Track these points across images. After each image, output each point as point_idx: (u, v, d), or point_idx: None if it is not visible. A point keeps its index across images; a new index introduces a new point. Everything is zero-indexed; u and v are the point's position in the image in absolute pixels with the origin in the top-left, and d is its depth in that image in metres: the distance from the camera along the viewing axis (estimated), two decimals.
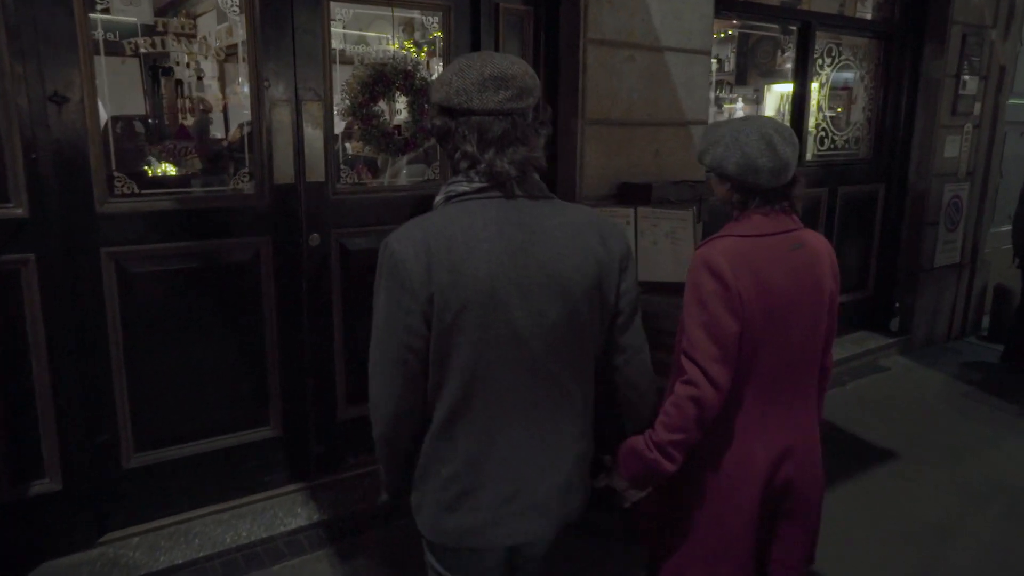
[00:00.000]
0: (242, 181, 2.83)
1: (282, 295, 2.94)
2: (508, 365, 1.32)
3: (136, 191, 2.61)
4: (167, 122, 2.76)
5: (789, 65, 4.91)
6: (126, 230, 2.60)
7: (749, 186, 1.59)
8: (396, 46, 4.45)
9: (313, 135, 2.90)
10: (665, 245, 2.86)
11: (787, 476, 1.65)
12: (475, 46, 3.26)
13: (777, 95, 6.53)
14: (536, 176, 1.35)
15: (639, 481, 1.59)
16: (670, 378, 1.63)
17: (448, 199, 1.33)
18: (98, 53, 2.44)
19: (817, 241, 1.69)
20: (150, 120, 2.69)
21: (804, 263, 1.61)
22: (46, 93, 2.35)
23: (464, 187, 1.31)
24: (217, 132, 2.97)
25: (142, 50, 2.53)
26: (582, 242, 1.34)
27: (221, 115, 2.97)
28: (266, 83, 2.76)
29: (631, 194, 3.41)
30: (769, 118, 1.70)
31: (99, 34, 2.43)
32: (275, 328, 2.96)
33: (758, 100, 7.32)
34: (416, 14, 3.28)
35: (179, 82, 2.63)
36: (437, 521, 1.40)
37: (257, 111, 2.77)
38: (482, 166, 1.28)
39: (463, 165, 1.31)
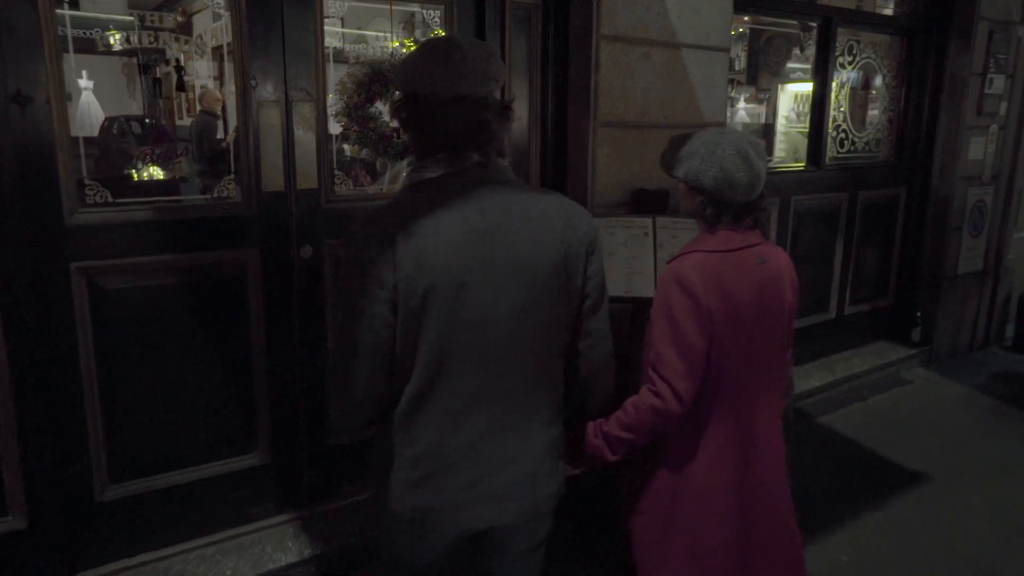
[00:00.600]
0: (228, 188, 2.61)
1: (271, 312, 2.72)
2: (475, 351, 1.32)
3: (110, 200, 2.39)
4: (148, 123, 2.54)
5: (801, 64, 4.68)
6: (99, 243, 2.38)
7: (724, 200, 1.60)
8: (396, 43, 4.22)
9: (304, 138, 2.67)
10: None
11: (755, 482, 1.68)
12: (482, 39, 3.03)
13: (791, 95, 6.31)
14: (501, 161, 1.36)
15: (579, 460, 1.67)
16: (641, 378, 1.66)
17: (412, 185, 1.33)
18: (67, 50, 2.22)
19: (777, 255, 1.72)
20: (128, 122, 2.47)
21: (768, 277, 1.65)
22: (7, 93, 2.13)
23: (428, 173, 1.31)
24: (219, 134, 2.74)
25: (117, 47, 2.31)
26: (548, 226, 1.34)
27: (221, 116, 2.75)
28: (253, 82, 2.54)
29: (646, 201, 3.19)
30: (740, 132, 1.69)
31: (68, 30, 2.20)
32: (263, 348, 2.73)
33: (760, 100, 7.10)
34: (416, 7, 3.05)
35: (157, 81, 2.41)
36: (402, 496, 1.40)
37: (244, 113, 2.55)
38: (445, 153, 1.30)
39: (427, 151, 1.32)
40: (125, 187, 2.42)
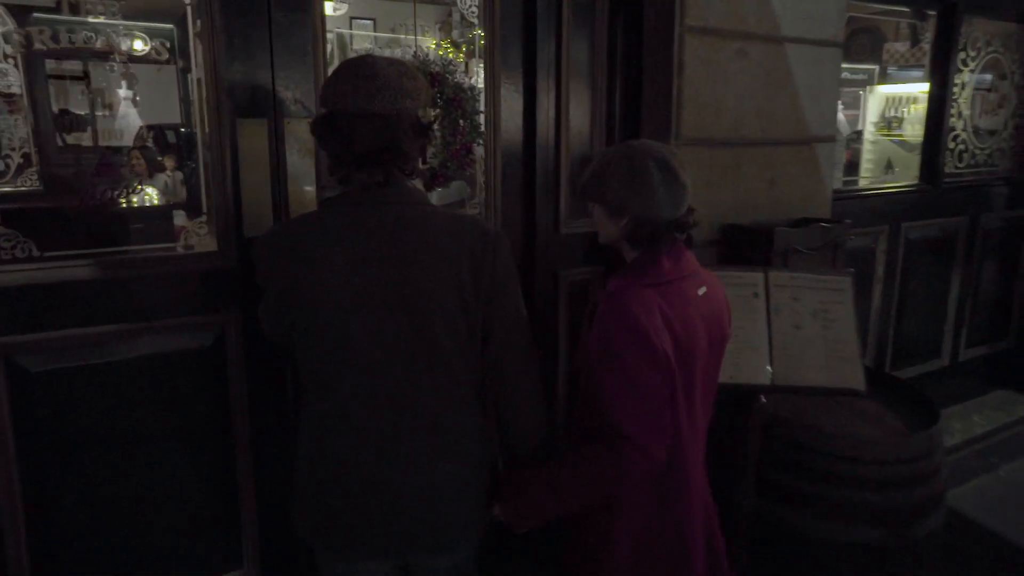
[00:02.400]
0: (198, 234, 1.98)
1: (257, 393, 2.09)
2: (350, 380, 1.35)
3: (34, 254, 1.78)
4: (183, 132, 1.90)
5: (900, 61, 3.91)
6: (18, 311, 1.77)
7: (651, 220, 1.45)
8: (433, 44, 3.60)
9: (300, 166, 2.03)
10: (813, 329, 1.93)
11: (711, 533, 1.60)
12: (530, 42, 2.37)
13: (881, 98, 5.48)
14: (410, 182, 1.37)
15: (523, 518, 1.48)
16: (580, 421, 1.51)
17: (322, 203, 1.43)
18: None
19: (715, 282, 1.60)
20: (163, 131, 1.86)
21: (711, 310, 1.53)
22: None
23: (327, 192, 1.40)
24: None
25: (36, 46, 1.70)
26: (442, 250, 1.33)
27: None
28: (230, 93, 1.90)
29: (742, 242, 2.48)
30: (650, 142, 1.51)
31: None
32: (247, 439, 2.10)
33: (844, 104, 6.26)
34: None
35: (98, 93, 1.79)
36: (298, 514, 1.48)
37: (216, 132, 1.91)
38: (345, 171, 1.33)
39: (337, 168, 1.34)
40: (52, 239, 1.80)
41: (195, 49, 1.87)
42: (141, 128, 1.92)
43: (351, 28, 5.75)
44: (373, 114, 1.27)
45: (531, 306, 1.93)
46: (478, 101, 2.29)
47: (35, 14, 1.76)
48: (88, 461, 1.90)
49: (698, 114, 2.46)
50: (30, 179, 1.92)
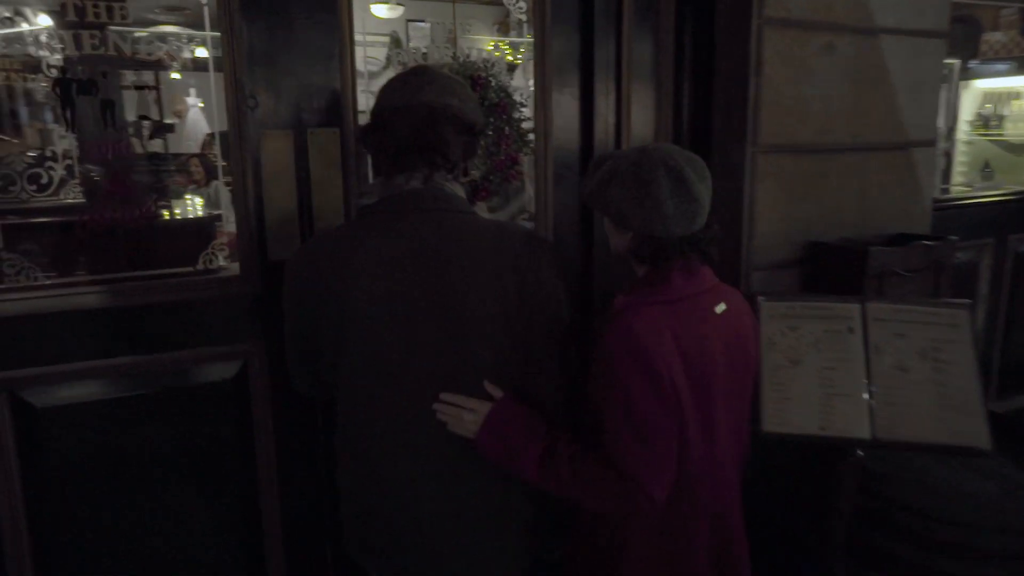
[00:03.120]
0: (217, 256, 1.80)
1: (284, 429, 1.90)
2: (383, 397, 1.28)
3: (40, 280, 1.63)
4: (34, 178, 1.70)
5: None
6: (26, 342, 1.63)
7: (657, 236, 1.28)
8: (490, 46, 3.41)
9: (326, 179, 1.84)
10: (922, 372, 1.61)
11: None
12: (586, 41, 2.13)
13: (977, 94, 5.01)
14: (451, 187, 1.31)
15: (494, 452, 1.29)
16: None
17: (359, 211, 1.37)
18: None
19: (736, 297, 1.44)
20: (50, 170, 1.70)
21: (730, 327, 1.38)
22: None
23: (364, 200, 1.30)
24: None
25: (48, 57, 1.55)
26: (485, 263, 1.26)
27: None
28: (251, 101, 1.73)
29: (828, 264, 2.17)
30: (670, 146, 1.34)
31: None
32: (273, 479, 1.92)
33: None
34: None
35: (108, 105, 1.63)
36: (345, 532, 1.41)
37: (238, 146, 1.74)
38: (385, 170, 1.28)
39: (378, 169, 1.30)
40: (55, 263, 1.65)
41: (212, 53, 1.70)
42: (206, 136, 1.81)
43: (407, 30, 5.86)
44: (419, 104, 1.24)
45: (587, 329, 1.70)
46: (525, 107, 2.06)
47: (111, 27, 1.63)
48: (100, 503, 1.75)
49: (778, 118, 2.16)
50: (72, 191, 1.80)
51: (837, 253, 2.15)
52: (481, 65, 2.03)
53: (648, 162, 1.28)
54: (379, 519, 1.33)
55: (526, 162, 2.08)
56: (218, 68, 1.71)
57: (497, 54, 2.35)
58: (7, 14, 1.64)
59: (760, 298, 1.69)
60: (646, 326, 1.26)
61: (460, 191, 1.35)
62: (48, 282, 1.64)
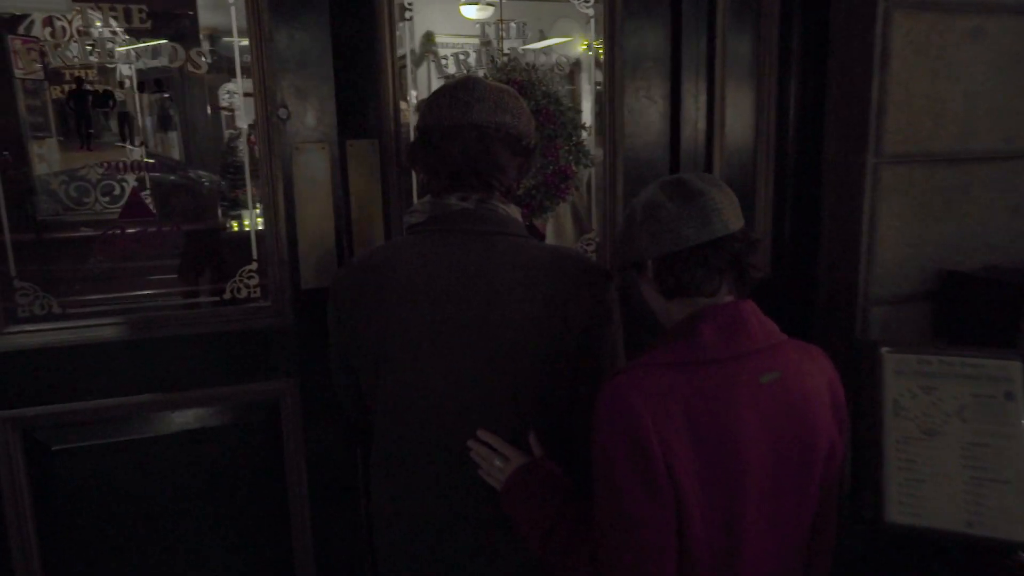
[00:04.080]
0: (246, 285, 1.62)
1: (320, 473, 1.71)
2: (420, 431, 1.20)
3: (54, 310, 1.50)
4: (107, 190, 1.57)
5: None
6: (38, 379, 1.49)
7: (671, 251, 1.04)
8: (584, 46, 3.18)
9: (367, 194, 1.63)
10: None
11: None
12: (673, 35, 1.83)
13: None
14: (505, 209, 1.22)
15: (509, 510, 1.15)
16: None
17: (407, 229, 1.26)
18: None
19: (804, 360, 1.09)
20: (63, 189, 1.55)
21: (782, 398, 1.04)
22: None
23: (413, 218, 1.24)
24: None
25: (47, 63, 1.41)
26: (537, 291, 1.16)
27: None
28: (283, 111, 1.53)
29: (970, 299, 1.78)
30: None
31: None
32: (306, 525, 1.72)
33: None
34: None
35: (126, 118, 1.47)
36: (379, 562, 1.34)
37: (267, 160, 1.55)
38: (428, 197, 1.23)
39: (429, 185, 1.24)
40: (71, 292, 1.51)
41: (238, 58, 1.51)
42: None
43: (499, 31, 5.69)
44: (469, 124, 1.17)
45: None
46: (579, 113, 1.79)
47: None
48: (119, 549, 1.61)
49: (908, 120, 1.78)
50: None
51: (982, 286, 1.75)
52: (524, 67, 1.76)
53: (647, 189, 1.12)
54: (405, 554, 1.27)
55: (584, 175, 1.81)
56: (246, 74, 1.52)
57: (590, 53, 2.07)
58: (79, 25, 1.53)
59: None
60: (644, 392, 0.99)
61: (516, 213, 1.26)
62: (61, 311, 1.50)
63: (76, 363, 1.51)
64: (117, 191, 1.60)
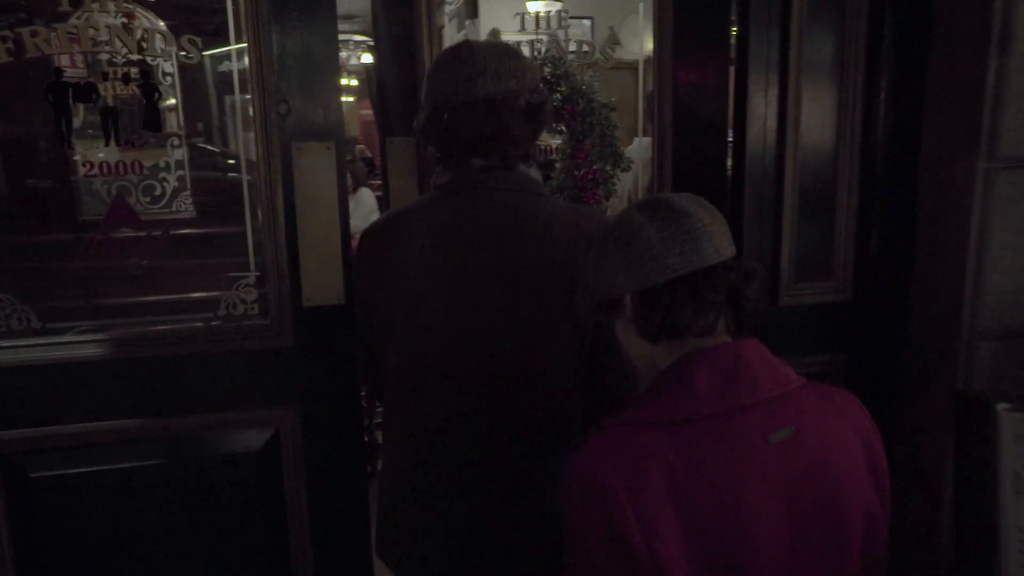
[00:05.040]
0: (242, 300, 1.46)
1: (321, 505, 1.53)
2: (434, 395, 1.19)
3: (34, 325, 1.37)
4: (149, 190, 1.44)
5: None
6: (15, 399, 1.37)
7: (651, 285, 0.88)
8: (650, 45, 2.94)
9: (404, 191, 1.55)
10: None
11: None
12: (742, 24, 1.59)
13: None
14: (524, 168, 1.22)
15: None
16: None
17: (433, 189, 1.24)
18: None
19: (828, 410, 0.90)
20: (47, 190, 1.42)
21: (801, 467, 0.85)
22: None
23: (439, 179, 1.22)
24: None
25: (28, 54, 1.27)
26: (557, 249, 1.14)
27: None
28: (282, 107, 1.36)
29: None
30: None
31: None
32: (309, 564, 1.54)
33: None
34: None
35: (111, 112, 1.32)
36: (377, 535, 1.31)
37: (266, 162, 1.38)
38: (451, 161, 1.20)
39: (442, 159, 1.22)
40: (55, 308, 1.38)
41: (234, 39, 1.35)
42: None
43: (566, 27, 5.60)
44: (476, 101, 1.15)
45: None
46: (611, 111, 1.57)
47: None
48: None
49: None
50: (184, 203, 1.56)
51: None
52: (550, 59, 1.56)
53: (621, 214, 0.96)
54: (404, 518, 1.24)
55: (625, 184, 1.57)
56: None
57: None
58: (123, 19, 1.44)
59: (1000, 407, 1.06)
60: (620, 463, 0.83)
61: (537, 175, 1.26)
62: (40, 326, 1.37)
63: (57, 383, 1.38)
64: (159, 191, 1.49)
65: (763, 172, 1.62)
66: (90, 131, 1.38)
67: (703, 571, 0.81)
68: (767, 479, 0.83)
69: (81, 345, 1.39)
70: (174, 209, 1.51)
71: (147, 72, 1.33)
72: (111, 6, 1.32)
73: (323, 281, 1.43)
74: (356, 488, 1.55)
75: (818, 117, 1.63)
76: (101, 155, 1.39)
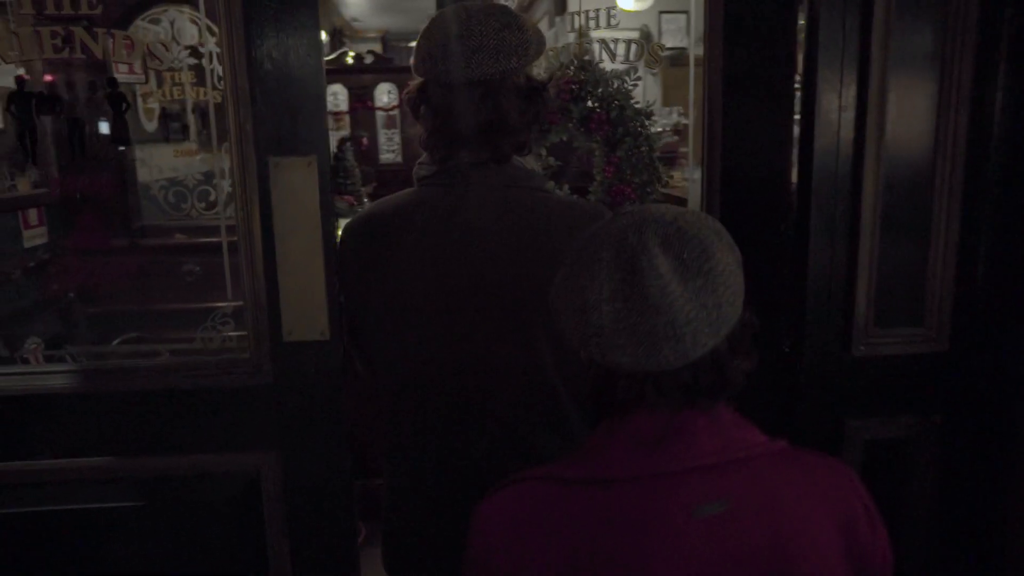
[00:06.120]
0: (216, 334, 1.31)
1: (305, 557, 1.37)
2: (418, 395, 1.15)
3: (1, 353, 1.27)
4: (204, 195, 1.37)
5: None
6: None
7: (610, 372, 0.76)
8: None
9: None
10: None
11: None
12: (813, 12, 1.31)
13: None
14: (517, 160, 1.13)
15: None
16: None
17: (418, 179, 1.16)
18: None
19: (796, 483, 0.77)
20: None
21: (731, 547, 0.72)
22: None
23: (423, 170, 1.14)
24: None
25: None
26: (554, 247, 1.01)
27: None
28: (259, 111, 1.20)
29: None
30: (674, 210, 0.78)
31: None
32: None
33: None
34: None
35: (76, 124, 1.21)
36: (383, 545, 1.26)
37: (241, 178, 1.22)
38: (438, 151, 1.12)
39: (431, 145, 1.13)
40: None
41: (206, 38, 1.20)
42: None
43: (660, 23, 5.22)
44: (470, 82, 1.05)
45: None
46: (645, 119, 1.33)
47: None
48: None
49: None
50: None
51: None
52: (580, 66, 1.34)
53: (598, 236, 0.76)
54: (420, 528, 1.19)
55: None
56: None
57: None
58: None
59: None
60: (508, 521, 0.78)
61: (533, 163, 1.18)
62: (8, 354, 1.27)
63: (21, 416, 1.28)
64: (213, 196, 1.48)
65: (834, 187, 1.33)
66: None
67: None
68: (680, 557, 0.71)
69: (49, 376, 1.28)
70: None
71: (112, 80, 1.20)
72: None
73: (305, 314, 1.26)
74: (344, 544, 1.38)
75: (909, 121, 1.33)
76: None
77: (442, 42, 1.06)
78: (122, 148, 1.24)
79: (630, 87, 1.46)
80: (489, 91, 1.06)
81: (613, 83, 1.45)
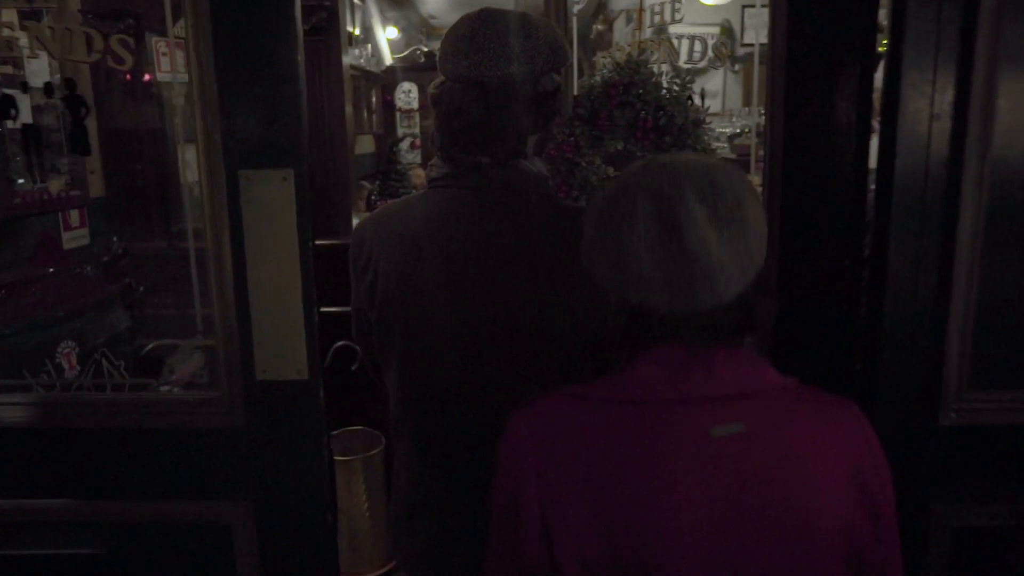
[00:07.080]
0: (188, 369, 1.16)
1: None
2: (430, 390, 1.15)
3: None
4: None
5: None
6: None
7: (640, 314, 0.83)
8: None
9: None
10: None
11: None
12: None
13: None
14: (528, 165, 1.14)
15: None
16: None
17: (428, 181, 1.19)
18: None
19: (807, 416, 0.84)
20: None
21: (746, 468, 0.80)
22: None
23: (433, 171, 1.16)
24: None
25: None
26: (557, 254, 1.07)
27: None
28: (228, 121, 1.04)
29: None
30: (697, 160, 0.85)
31: None
32: None
33: None
34: None
35: (31, 132, 1.07)
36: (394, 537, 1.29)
37: (209, 193, 1.07)
38: (449, 151, 1.14)
39: (439, 143, 1.15)
40: None
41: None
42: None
43: (743, 17, 5.15)
44: (471, 83, 1.07)
45: None
46: (699, 125, 1.15)
47: None
48: None
49: None
50: None
51: None
52: (632, 68, 1.18)
53: (632, 187, 0.80)
54: (426, 525, 1.20)
55: None
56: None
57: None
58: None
59: None
60: (537, 426, 0.83)
61: (540, 166, 1.16)
62: None
63: None
64: None
65: (921, 214, 1.07)
66: None
67: (608, 551, 0.78)
68: (699, 475, 0.78)
69: (1, 408, 1.16)
70: None
71: (69, 80, 1.06)
72: None
73: (280, 350, 1.10)
74: None
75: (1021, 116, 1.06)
76: None
77: (453, 42, 1.09)
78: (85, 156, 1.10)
79: (687, 91, 1.26)
80: (485, 95, 1.07)
81: (662, 88, 1.26)
